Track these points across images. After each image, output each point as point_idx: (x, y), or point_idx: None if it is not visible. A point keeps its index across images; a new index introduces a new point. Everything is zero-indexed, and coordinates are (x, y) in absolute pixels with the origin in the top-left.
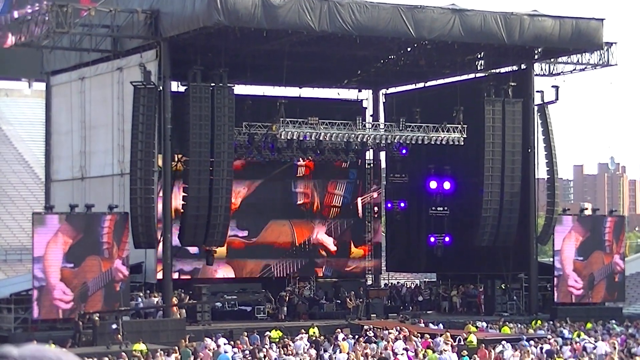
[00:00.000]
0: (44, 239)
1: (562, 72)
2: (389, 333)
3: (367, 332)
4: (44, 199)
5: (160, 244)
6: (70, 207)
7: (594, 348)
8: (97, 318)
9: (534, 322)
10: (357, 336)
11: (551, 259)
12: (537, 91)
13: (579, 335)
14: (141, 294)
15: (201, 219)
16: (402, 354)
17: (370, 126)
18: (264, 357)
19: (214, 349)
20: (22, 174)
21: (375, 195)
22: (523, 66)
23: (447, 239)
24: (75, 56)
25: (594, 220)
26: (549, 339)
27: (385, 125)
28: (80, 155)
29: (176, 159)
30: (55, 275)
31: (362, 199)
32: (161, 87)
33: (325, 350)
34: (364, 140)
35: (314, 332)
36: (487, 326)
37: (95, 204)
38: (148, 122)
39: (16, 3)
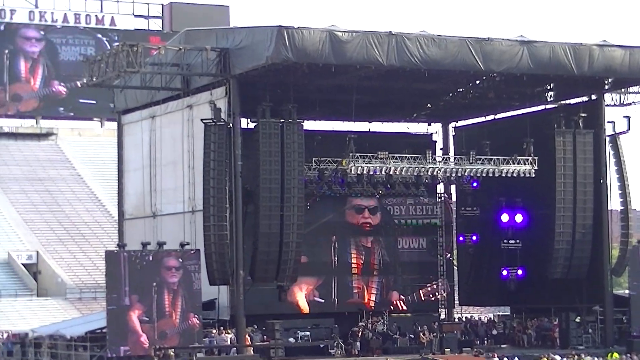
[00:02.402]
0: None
1: (633, 102)
2: None
3: None
4: (117, 237)
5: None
6: (142, 245)
7: None
8: (172, 353)
9: (609, 355)
10: None
11: (627, 291)
12: (608, 122)
13: None
14: (214, 331)
15: (272, 255)
16: None
17: (441, 159)
18: None
19: None
20: (95, 213)
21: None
22: (593, 97)
23: (520, 271)
24: (146, 95)
25: None
26: None
27: (455, 158)
28: (152, 193)
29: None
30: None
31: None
32: (231, 124)
33: None
34: (434, 173)
35: None
36: None
37: (167, 241)
38: (219, 159)
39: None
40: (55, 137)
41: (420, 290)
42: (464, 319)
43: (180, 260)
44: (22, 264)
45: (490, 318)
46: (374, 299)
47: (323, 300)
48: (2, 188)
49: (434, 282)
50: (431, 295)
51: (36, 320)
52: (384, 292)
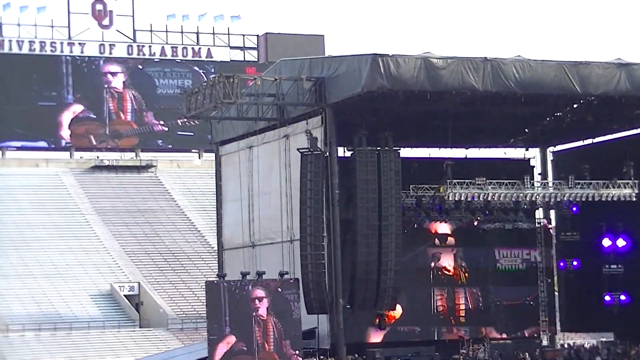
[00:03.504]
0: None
1: None
2: None
3: None
4: (216, 267)
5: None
6: (242, 275)
7: None
8: None
9: None
10: None
11: None
12: None
13: None
14: None
15: (371, 282)
16: None
17: (539, 185)
18: None
19: None
20: (195, 244)
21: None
22: None
23: (623, 297)
24: (243, 125)
25: None
26: None
27: (554, 183)
28: (250, 223)
29: None
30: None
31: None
32: (327, 153)
33: None
34: (533, 199)
35: None
36: None
37: (266, 270)
38: (316, 188)
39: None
40: (154, 169)
41: (525, 331)
42: (566, 345)
43: (279, 289)
44: (125, 296)
45: (593, 344)
46: (464, 328)
47: (420, 329)
48: (103, 220)
49: (537, 322)
50: (535, 335)
51: (139, 351)
52: (480, 323)
